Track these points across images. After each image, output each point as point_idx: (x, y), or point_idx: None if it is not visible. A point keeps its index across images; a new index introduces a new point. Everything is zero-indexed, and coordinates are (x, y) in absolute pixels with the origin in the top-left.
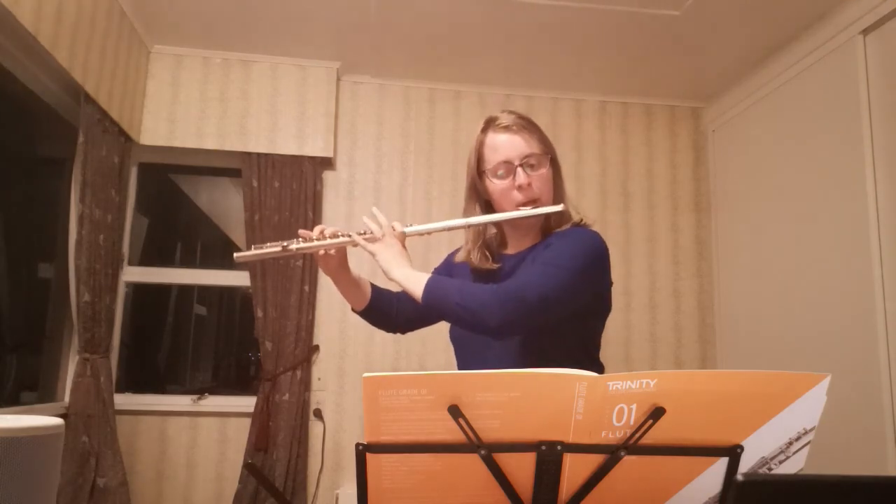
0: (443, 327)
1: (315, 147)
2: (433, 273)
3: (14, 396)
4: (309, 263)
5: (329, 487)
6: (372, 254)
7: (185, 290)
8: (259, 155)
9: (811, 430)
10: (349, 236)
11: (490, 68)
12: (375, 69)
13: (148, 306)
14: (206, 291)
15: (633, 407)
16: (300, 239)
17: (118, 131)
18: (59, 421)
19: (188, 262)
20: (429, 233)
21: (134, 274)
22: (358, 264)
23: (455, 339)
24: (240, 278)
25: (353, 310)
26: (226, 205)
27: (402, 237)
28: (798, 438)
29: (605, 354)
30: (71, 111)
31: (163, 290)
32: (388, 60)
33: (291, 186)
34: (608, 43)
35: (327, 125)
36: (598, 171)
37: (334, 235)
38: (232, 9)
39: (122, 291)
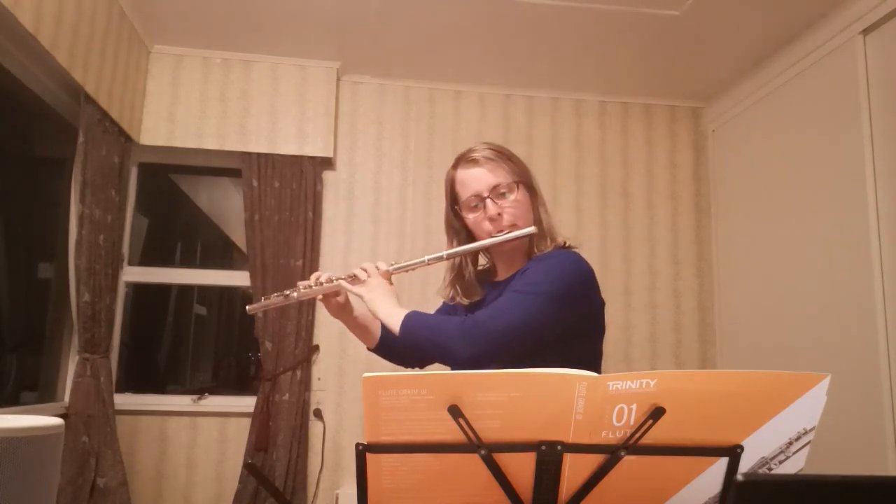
0: None
1: (315, 147)
2: (436, 312)
3: (14, 396)
4: (309, 263)
5: (329, 487)
6: (358, 296)
7: (185, 290)
8: (259, 155)
9: (811, 430)
10: (332, 282)
11: (490, 68)
12: (375, 69)
13: (148, 306)
14: (206, 291)
15: (633, 407)
16: (300, 287)
17: (118, 131)
18: (59, 421)
19: (188, 262)
20: (412, 269)
21: (134, 274)
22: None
23: None
24: (240, 278)
25: (367, 349)
26: (226, 205)
27: (388, 275)
28: (798, 438)
29: (605, 354)
30: (71, 111)
31: (163, 290)
32: (388, 60)
33: (291, 186)
34: (608, 43)
35: (327, 125)
36: (598, 171)
37: (329, 281)
38: (232, 9)
39: (122, 291)
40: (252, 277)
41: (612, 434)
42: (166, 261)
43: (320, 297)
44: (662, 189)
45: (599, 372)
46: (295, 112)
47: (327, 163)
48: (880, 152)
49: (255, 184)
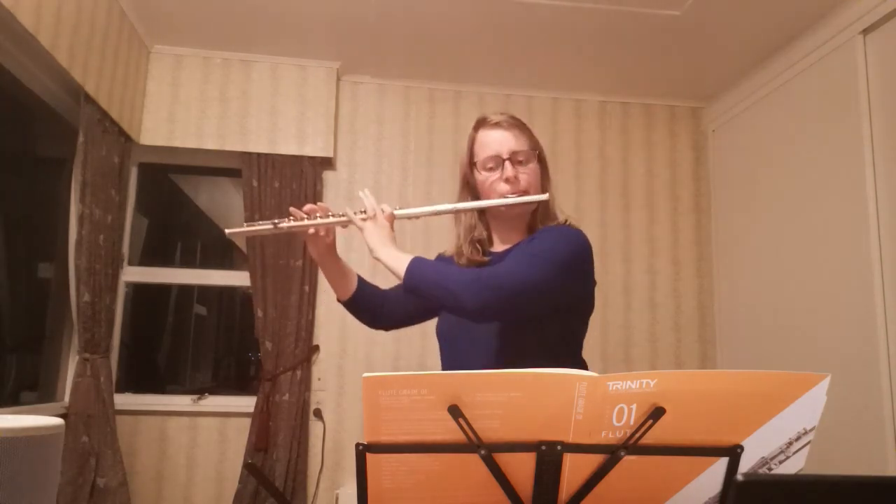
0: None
1: (315, 147)
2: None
3: (14, 396)
4: (309, 263)
5: (329, 487)
6: (360, 229)
7: (185, 290)
8: (259, 155)
9: (811, 430)
10: (343, 215)
11: (490, 68)
12: (375, 69)
13: (148, 306)
14: (206, 291)
15: (633, 407)
16: (291, 218)
17: (118, 131)
18: (59, 421)
19: (188, 262)
20: (418, 216)
21: (134, 274)
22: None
23: (441, 334)
24: (240, 278)
25: (338, 300)
26: (226, 205)
27: (392, 219)
28: (798, 438)
29: (605, 354)
30: (71, 111)
31: (163, 290)
32: (388, 60)
33: (291, 186)
34: (608, 43)
35: (327, 125)
36: (598, 171)
37: (325, 214)
38: (232, 9)
39: (122, 291)
40: (252, 277)
41: (612, 434)
42: (166, 261)
43: (312, 230)
44: (662, 189)
45: (581, 348)
46: (295, 112)
47: (327, 163)
48: (880, 152)
49: (255, 184)
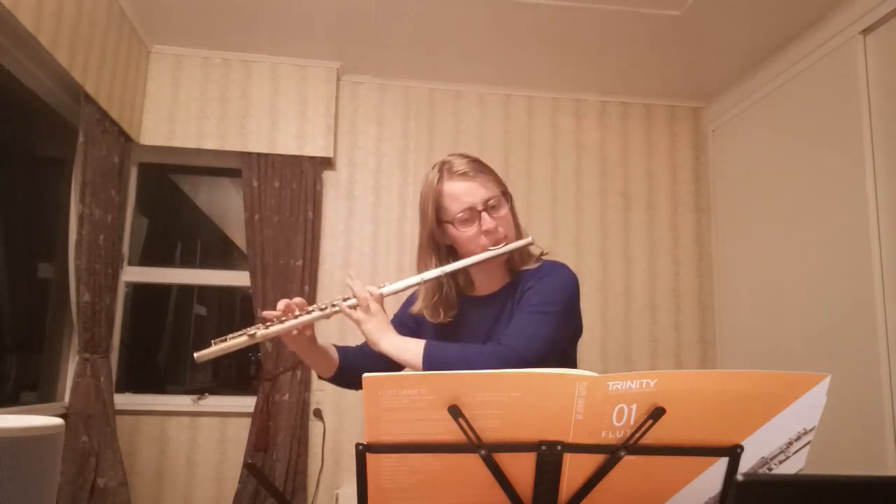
0: None
1: (315, 147)
2: (392, 322)
3: (14, 396)
4: (309, 263)
5: (329, 487)
6: (357, 323)
7: (185, 290)
8: (259, 155)
9: (811, 430)
10: (325, 308)
11: (490, 68)
12: (375, 69)
13: (148, 306)
14: (206, 291)
15: (633, 407)
16: (267, 323)
17: (118, 131)
18: (59, 421)
19: (188, 262)
20: (405, 290)
21: (134, 274)
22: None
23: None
24: (240, 278)
25: (319, 377)
26: (226, 205)
27: (381, 300)
28: (798, 438)
29: (605, 354)
30: (71, 111)
31: (163, 290)
32: (388, 60)
33: (291, 186)
34: (608, 43)
35: (327, 125)
36: (598, 171)
37: (303, 310)
38: (232, 9)
39: (122, 291)
40: (252, 277)
41: (612, 434)
42: (166, 261)
43: (295, 332)
44: (662, 189)
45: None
46: (295, 112)
47: (327, 163)
48: (880, 152)
49: (255, 184)
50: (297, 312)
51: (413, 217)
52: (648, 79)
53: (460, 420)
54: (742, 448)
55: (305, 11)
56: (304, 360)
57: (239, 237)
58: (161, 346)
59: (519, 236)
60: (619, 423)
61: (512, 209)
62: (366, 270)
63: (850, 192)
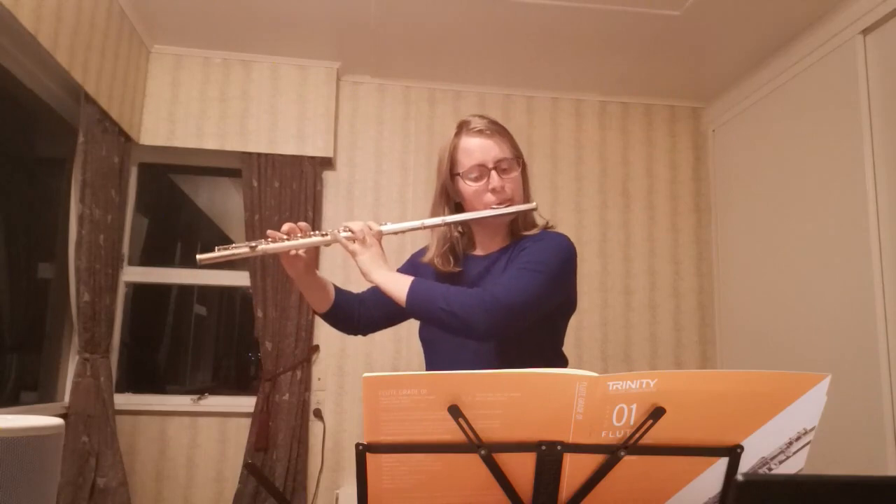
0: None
1: (315, 147)
2: (398, 272)
3: (14, 396)
4: None
5: (329, 487)
6: (352, 254)
7: (185, 290)
8: (259, 155)
9: (811, 430)
10: (325, 234)
11: (490, 68)
12: (375, 69)
13: (148, 306)
14: (206, 291)
15: (633, 407)
16: (269, 239)
17: (118, 131)
18: (59, 421)
19: (188, 262)
20: (405, 231)
21: (134, 274)
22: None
23: (426, 340)
24: (240, 278)
25: (314, 312)
26: (226, 205)
27: (380, 236)
28: (798, 438)
29: (605, 354)
30: (71, 111)
31: (163, 290)
32: (388, 60)
33: (291, 186)
34: (608, 43)
35: (327, 125)
36: (598, 171)
37: (306, 234)
38: (232, 9)
39: (122, 291)
40: (252, 277)
41: (612, 434)
42: (166, 261)
43: (293, 252)
44: (662, 189)
45: (562, 344)
46: (295, 112)
47: (327, 163)
48: (880, 152)
49: (255, 184)
50: (300, 235)
51: (413, 216)
52: (648, 79)
53: (460, 420)
54: (742, 448)
55: (305, 11)
56: (300, 288)
57: (239, 237)
58: (161, 346)
59: (528, 202)
60: (619, 423)
61: (524, 175)
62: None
63: (850, 191)
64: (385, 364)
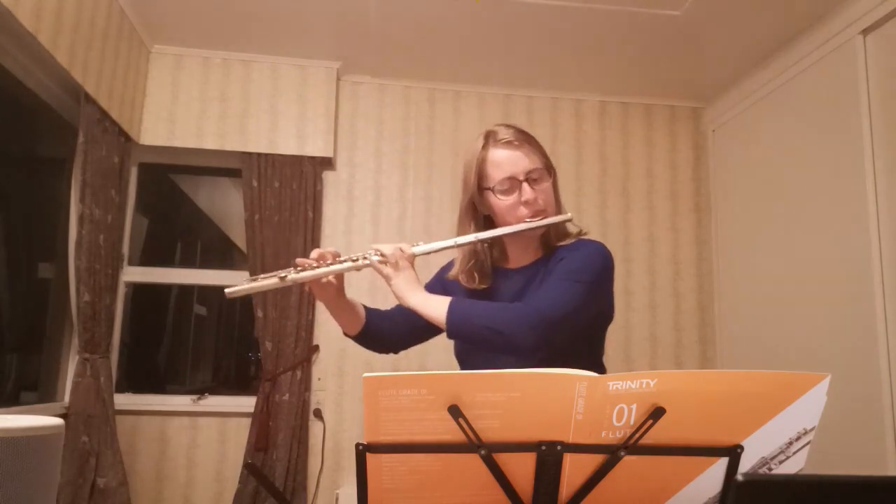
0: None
1: (315, 147)
2: (425, 288)
3: (14, 396)
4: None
5: (329, 487)
6: (385, 278)
7: (185, 290)
8: (259, 155)
9: (811, 430)
10: (356, 259)
11: (490, 68)
12: (375, 69)
13: (148, 306)
14: (206, 291)
15: (633, 407)
16: (298, 268)
17: (118, 131)
18: (59, 421)
19: (188, 262)
20: (437, 251)
21: (134, 274)
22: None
23: (459, 355)
24: (240, 278)
25: (345, 334)
26: (226, 205)
27: (412, 259)
28: (798, 438)
29: (605, 354)
30: (71, 111)
31: (163, 290)
32: (388, 60)
33: (291, 186)
34: (608, 43)
35: (327, 125)
36: (598, 171)
37: (335, 258)
38: (232, 9)
39: (122, 291)
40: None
41: (612, 434)
42: (166, 261)
43: (324, 279)
44: (662, 189)
45: (602, 353)
46: (295, 112)
47: (327, 163)
48: (880, 152)
49: (255, 184)
50: (329, 261)
51: (413, 217)
52: (648, 79)
53: (460, 420)
54: (742, 448)
55: (305, 11)
56: (331, 312)
57: (239, 237)
58: (161, 346)
59: (559, 212)
60: (619, 423)
61: (555, 185)
62: (365, 270)
63: (850, 191)
64: (385, 364)
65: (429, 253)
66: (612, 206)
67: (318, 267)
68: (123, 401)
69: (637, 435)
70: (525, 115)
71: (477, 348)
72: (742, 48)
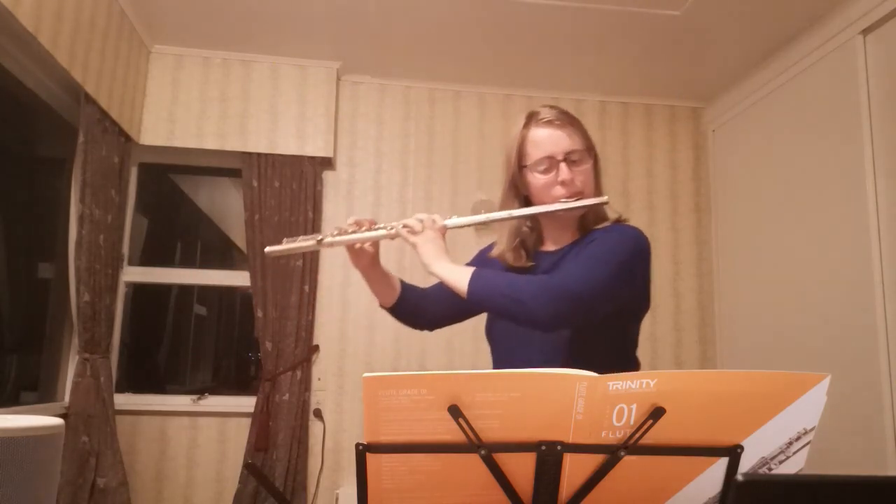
0: (443, 329)
1: (315, 147)
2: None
3: (14, 396)
4: (309, 263)
5: (329, 487)
6: (413, 246)
7: (185, 290)
8: (259, 155)
9: (811, 430)
10: (389, 229)
11: (490, 68)
12: (375, 69)
13: (148, 306)
14: (206, 291)
15: (633, 407)
16: (336, 231)
17: (118, 131)
18: (59, 421)
19: (188, 262)
20: (469, 225)
21: (134, 274)
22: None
23: (492, 338)
24: (240, 278)
25: (381, 306)
26: (226, 205)
27: (443, 230)
28: (798, 438)
29: None
30: (71, 111)
31: (163, 290)
32: (388, 60)
33: (291, 186)
34: (608, 43)
35: (327, 125)
36: None
37: (371, 226)
38: (232, 9)
39: (122, 291)
40: (252, 277)
41: (612, 434)
42: (166, 261)
43: (358, 245)
44: (662, 189)
45: (636, 347)
46: (295, 112)
47: (327, 163)
48: (880, 152)
49: (255, 184)
50: (365, 228)
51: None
52: (648, 79)
53: (460, 420)
54: (742, 448)
55: (305, 11)
56: (367, 281)
57: (239, 237)
58: (161, 346)
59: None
60: (619, 423)
61: (595, 168)
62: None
63: (851, 191)
64: (385, 364)
65: (461, 227)
66: (612, 206)
67: (353, 232)
68: (123, 401)
69: (637, 435)
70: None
71: (502, 320)
72: (742, 48)
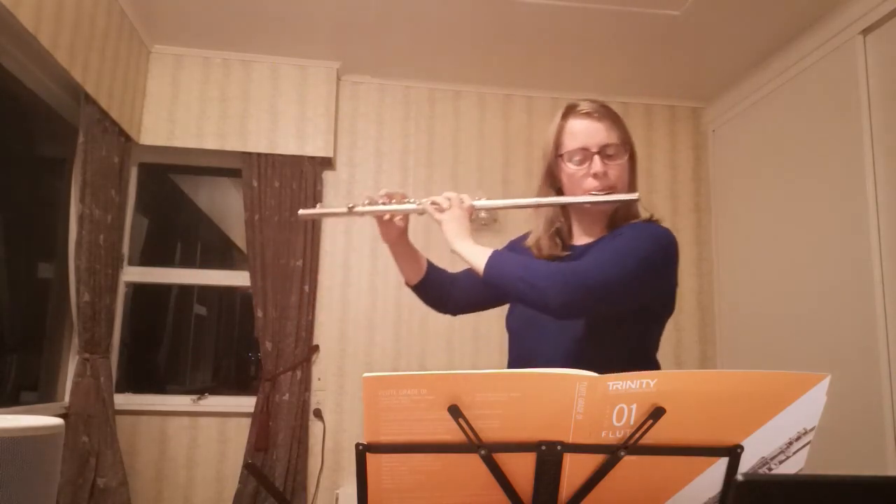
0: (443, 327)
1: (315, 147)
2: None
3: (14, 396)
4: (309, 263)
5: (329, 487)
6: (438, 222)
7: (185, 290)
8: (259, 155)
9: (811, 430)
10: (418, 204)
11: (490, 68)
12: (375, 69)
13: (148, 306)
14: (206, 291)
15: (633, 407)
16: (367, 201)
17: (118, 131)
18: (59, 421)
19: (188, 262)
20: (497, 208)
21: (134, 274)
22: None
23: (511, 330)
24: (240, 278)
25: (406, 284)
26: (226, 205)
27: (471, 210)
28: (798, 438)
29: None
30: (71, 111)
31: (163, 290)
32: (388, 60)
33: (291, 186)
34: (608, 43)
35: (327, 125)
36: None
37: (401, 201)
38: (232, 9)
39: (122, 291)
40: (252, 277)
41: (612, 434)
42: (166, 261)
43: (387, 216)
44: (662, 189)
45: (656, 349)
46: (295, 112)
47: (327, 163)
48: (880, 152)
49: (255, 184)
50: (395, 201)
51: (413, 216)
52: (648, 79)
53: (460, 420)
54: (742, 448)
55: (305, 11)
56: (394, 256)
57: (239, 237)
58: (161, 346)
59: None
60: (619, 423)
61: (632, 165)
62: (365, 270)
63: (850, 191)
64: (385, 364)
65: (490, 209)
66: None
67: (384, 204)
68: (123, 401)
69: (637, 435)
70: (525, 115)
71: (519, 307)
72: (742, 48)
